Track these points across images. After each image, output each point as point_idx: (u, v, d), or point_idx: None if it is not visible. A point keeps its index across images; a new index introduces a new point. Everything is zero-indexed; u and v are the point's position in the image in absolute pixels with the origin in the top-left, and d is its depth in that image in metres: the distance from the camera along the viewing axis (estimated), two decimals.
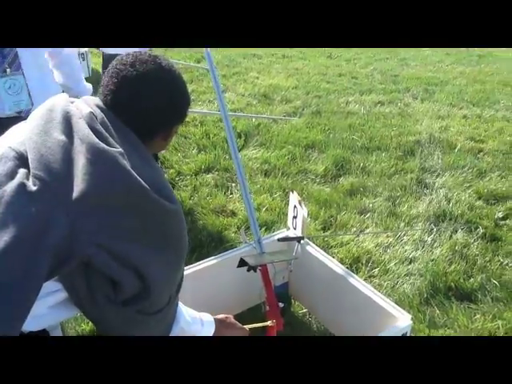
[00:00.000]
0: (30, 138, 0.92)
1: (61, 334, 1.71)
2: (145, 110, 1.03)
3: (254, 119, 4.44)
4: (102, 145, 0.91)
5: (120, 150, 0.92)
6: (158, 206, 0.94)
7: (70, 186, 0.87)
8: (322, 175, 3.52)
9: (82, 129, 0.92)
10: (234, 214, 2.98)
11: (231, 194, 3.24)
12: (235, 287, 2.03)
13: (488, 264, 2.56)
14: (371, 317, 1.79)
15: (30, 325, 0.94)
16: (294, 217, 2.16)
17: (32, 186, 0.87)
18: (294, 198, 2.14)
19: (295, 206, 2.13)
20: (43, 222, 0.86)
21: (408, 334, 1.69)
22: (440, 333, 2.07)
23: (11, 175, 0.88)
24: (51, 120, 0.95)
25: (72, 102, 1.01)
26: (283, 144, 3.98)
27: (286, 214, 2.34)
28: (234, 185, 3.30)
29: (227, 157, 3.65)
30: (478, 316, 2.19)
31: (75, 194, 0.87)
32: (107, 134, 0.94)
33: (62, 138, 0.91)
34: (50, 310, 0.97)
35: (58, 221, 0.86)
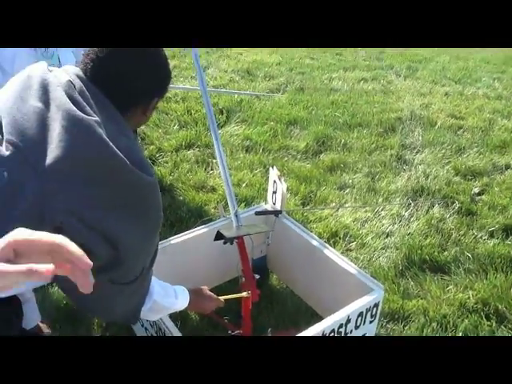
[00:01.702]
0: (5, 104, 0.92)
1: (35, 306, 1.72)
2: (124, 81, 1.02)
3: (236, 95, 4.41)
4: (79, 112, 0.90)
5: (97, 118, 0.92)
6: (133, 176, 0.94)
7: (43, 152, 0.87)
8: (303, 151, 3.53)
9: (59, 96, 0.92)
10: (214, 189, 2.99)
11: (212, 170, 3.24)
12: (213, 260, 2.06)
13: (462, 237, 2.62)
14: (345, 288, 1.83)
15: None
16: (274, 192, 2.18)
17: (4, 150, 0.87)
18: (273, 173, 2.16)
19: (275, 181, 2.15)
20: (15, 186, 0.86)
21: (380, 304, 1.74)
22: (413, 303, 2.13)
23: None
24: (28, 87, 0.94)
25: (51, 71, 1.00)
26: (265, 120, 3.97)
27: (266, 190, 2.36)
28: (214, 161, 3.29)
29: (208, 133, 3.63)
30: (450, 287, 2.25)
31: (48, 160, 0.86)
32: (85, 103, 0.93)
33: (39, 104, 0.91)
34: None
35: (29, 186, 0.86)
